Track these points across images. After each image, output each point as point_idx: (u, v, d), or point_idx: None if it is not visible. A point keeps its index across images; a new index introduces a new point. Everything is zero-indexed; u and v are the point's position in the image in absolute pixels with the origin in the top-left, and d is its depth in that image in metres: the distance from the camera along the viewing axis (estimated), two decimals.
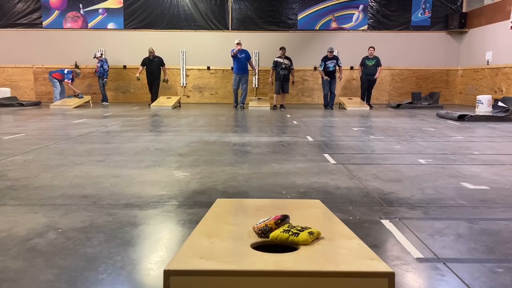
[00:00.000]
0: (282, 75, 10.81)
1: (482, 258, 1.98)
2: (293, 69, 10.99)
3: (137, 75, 11.31)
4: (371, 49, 11.22)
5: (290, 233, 1.54)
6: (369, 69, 11.32)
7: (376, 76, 11.40)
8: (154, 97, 11.58)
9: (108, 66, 12.01)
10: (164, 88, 12.85)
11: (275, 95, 11.11)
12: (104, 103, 12.01)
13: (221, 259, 1.44)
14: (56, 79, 11.37)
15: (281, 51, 10.88)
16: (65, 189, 3.11)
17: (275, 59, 10.94)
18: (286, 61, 10.83)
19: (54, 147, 4.89)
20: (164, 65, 11.56)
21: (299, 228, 1.57)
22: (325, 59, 10.93)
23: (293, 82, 11.20)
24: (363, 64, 11.42)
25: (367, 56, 11.30)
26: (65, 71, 11.44)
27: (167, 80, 11.89)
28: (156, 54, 11.43)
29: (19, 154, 4.42)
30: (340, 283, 1.35)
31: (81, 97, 11.45)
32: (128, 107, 11.12)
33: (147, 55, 11.40)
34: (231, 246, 1.58)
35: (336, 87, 11.40)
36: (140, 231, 2.28)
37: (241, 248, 1.54)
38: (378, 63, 11.25)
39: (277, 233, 1.59)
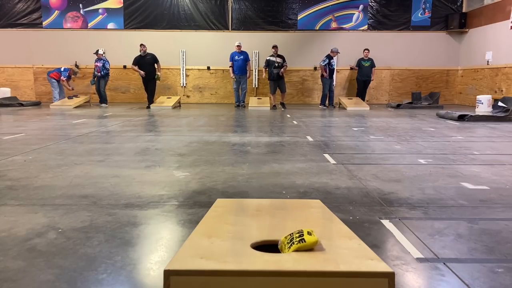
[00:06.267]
0: (276, 74, 10.82)
1: (482, 258, 1.98)
2: (286, 66, 10.94)
3: (142, 73, 10.70)
4: (366, 51, 11.69)
5: (296, 242, 1.52)
6: (364, 70, 11.81)
7: (372, 78, 11.94)
8: (150, 98, 11.05)
9: (109, 66, 11.70)
10: (164, 88, 12.87)
11: (271, 95, 11.16)
12: (103, 104, 11.50)
13: (221, 259, 1.44)
14: (54, 79, 11.36)
15: (273, 50, 10.88)
16: (65, 189, 3.11)
17: (268, 58, 10.96)
18: (278, 60, 10.82)
19: (54, 147, 4.89)
20: (158, 61, 10.89)
21: (297, 235, 1.55)
22: (329, 57, 11.08)
23: (282, 74, 10.89)
24: (359, 65, 11.78)
25: (363, 58, 11.73)
26: (62, 69, 11.44)
27: (159, 77, 10.99)
28: (152, 52, 10.81)
29: (19, 154, 4.42)
30: (340, 283, 1.35)
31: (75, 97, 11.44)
32: (128, 107, 11.12)
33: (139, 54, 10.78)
34: (231, 246, 1.58)
35: (336, 87, 11.49)
36: (140, 231, 2.28)
37: (241, 248, 1.54)
38: (372, 65, 11.68)
39: (287, 251, 1.52)
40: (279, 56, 10.88)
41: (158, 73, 10.98)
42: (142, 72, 10.73)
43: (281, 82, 11.00)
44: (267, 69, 10.94)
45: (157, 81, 11.15)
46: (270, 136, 5.95)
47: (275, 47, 10.89)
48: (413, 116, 9.01)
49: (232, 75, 11.26)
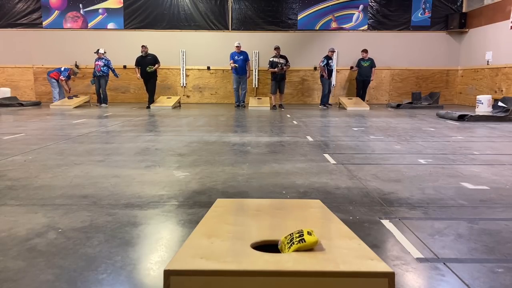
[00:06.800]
0: (279, 74, 10.86)
1: (482, 258, 1.98)
2: (288, 66, 11.01)
3: (138, 76, 10.97)
4: (363, 53, 11.71)
5: (296, 242, 1.52)
6: (363, 70, 11.84)
7: (371, 78, 11.93)
8: (151, 98, 11.13)
9: (112, 65, 11.56)
10: (164, 88, 12.86)
11: (272, 95, 11.18)
12: (102, 104, 11.44)
13: (221, 259, 1.44)
14: (54, 79, 11.36)
15: (275, 51, 10.93)
16: (65, 189, 3.11)
17: (271, 59, 10.98)
18: (281, 60, 10.87)
19: (54, 147, 4.89)
20: (159, 62, 10.98)
21: (297, 235, 1.55)
22: (327, 58, 11.12)
23: (283, 69, 10.88)
24: (358, 65, 11.79)
25: (362, 58, 11.73)
26: (62, 69, 11.45)
27: (150, 68, 10.83)
28: (152, 52, 10.91)
29: (19, 154, 4.42)
30: (340, 283, 1.35)
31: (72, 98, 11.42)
32: (128, 107, 11.12)
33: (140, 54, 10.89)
34: (231, 246, 1.58)
35: (336, 87, 11.50)
36: (140, 231, 2.28)
37: (241, 248, 1.54)
38: (372, 65, 11.68)
39: (287, 251, 1.53)
40: (281, 56, 10.91)
41: (152, 66, 10.87)
42: (138, 75, 10.99)
43: (282, 84, 11.03)
44: (273, 68, 10.94)
45: (148, 71, 10.90)
46: (270, 136, 5.95)
47: (277, 48, 10.91)
48: (413, 116, 9.01)
49: (232, 64, 11.11)
